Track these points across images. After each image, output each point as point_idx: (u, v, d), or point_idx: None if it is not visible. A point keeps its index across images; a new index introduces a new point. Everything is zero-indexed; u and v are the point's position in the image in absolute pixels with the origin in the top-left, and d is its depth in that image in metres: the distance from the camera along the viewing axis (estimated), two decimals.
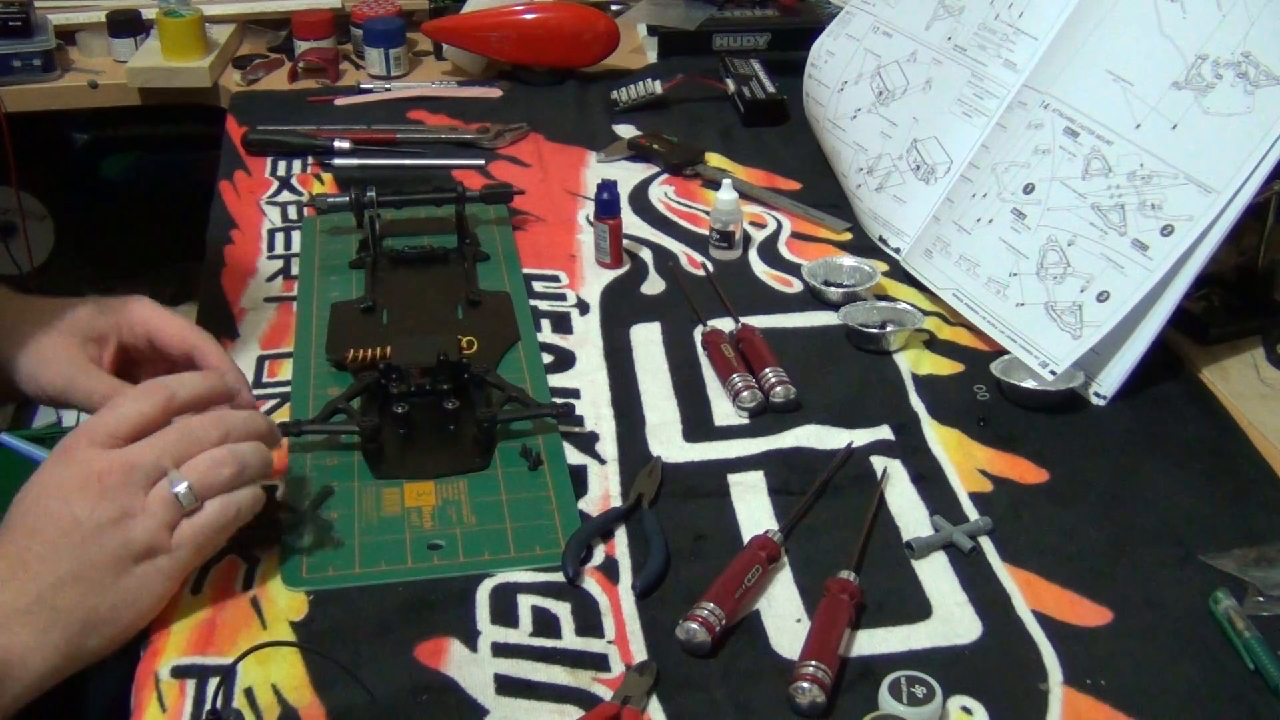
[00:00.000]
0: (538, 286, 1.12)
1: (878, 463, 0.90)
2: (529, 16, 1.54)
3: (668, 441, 0.92)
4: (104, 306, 0.89)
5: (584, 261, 1.17)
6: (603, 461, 0.90)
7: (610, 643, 0.75)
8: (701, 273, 1.15)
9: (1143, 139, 0.96)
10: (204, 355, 0.87)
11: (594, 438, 0.93)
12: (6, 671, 0.66)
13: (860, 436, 0.93)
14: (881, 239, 1.18)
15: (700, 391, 0.98)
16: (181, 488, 0.73)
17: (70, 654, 0.69)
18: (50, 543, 0.70)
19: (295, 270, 1.14)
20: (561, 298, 1.11)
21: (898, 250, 1.16)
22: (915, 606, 0.78)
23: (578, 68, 1.58)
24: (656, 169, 1.34)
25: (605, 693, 0.71)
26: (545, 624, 0.76)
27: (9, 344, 0.87)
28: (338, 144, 1.37)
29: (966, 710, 0.70)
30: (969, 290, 1.05)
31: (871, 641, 0.75)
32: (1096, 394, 0.97)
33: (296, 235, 1.20)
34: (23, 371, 0.86)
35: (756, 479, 0.89)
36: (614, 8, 1.74)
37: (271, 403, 0.96)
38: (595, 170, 1.34)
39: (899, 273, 1.14)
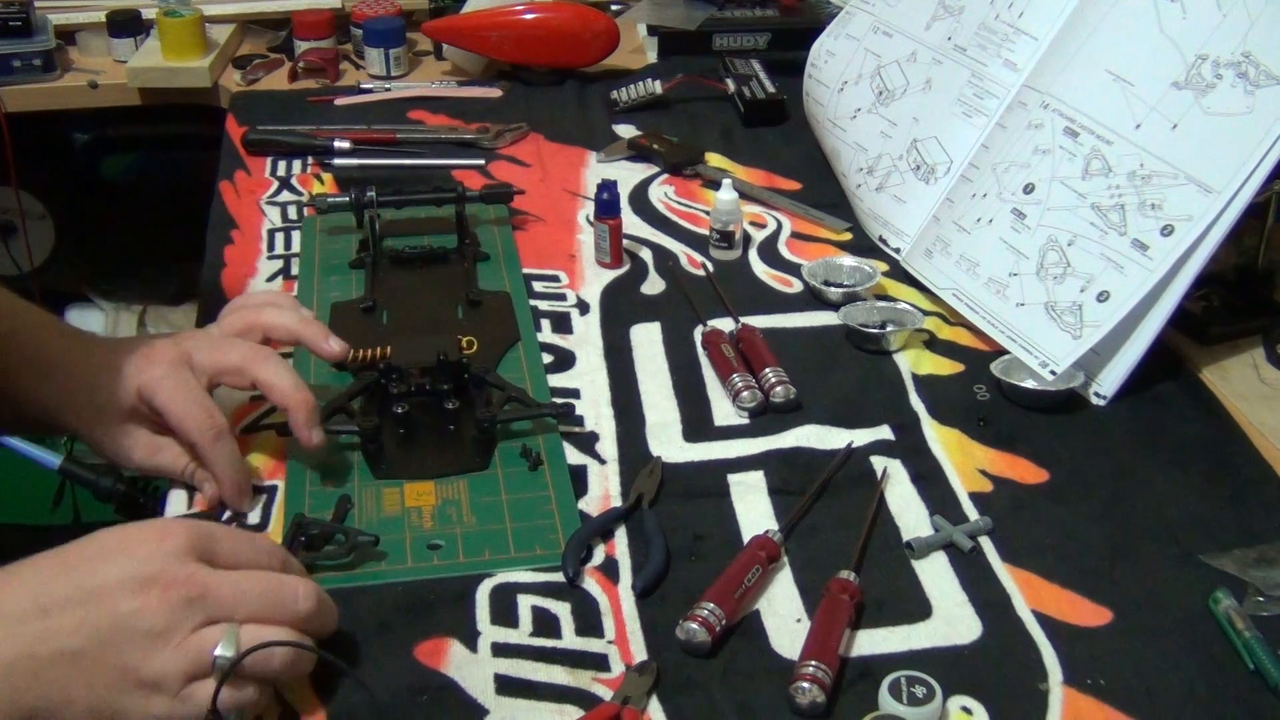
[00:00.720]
0: (538, 286, 1.12)
1: (878, 463, 0.90)
2: (529, 16, 1.54)
3: (668, 441, 0.92)
4: (112, 401, 0.84)
5: (584, 261, 1.17)
6: (603, 461, 0.90)
7: (610, 643, 0.75)
8: (701, 273, 1.15)
9: (1143, 139, 0.96)
10: (204, 456, 0.84)
11: (594, 438, 0.93)
12: None
13: (860, 436, 0.93)
14: (881, 239, 1.18)
15: (700, 391, 0.98)
16: (223, 656, 0.64)
17: None
18: (79, 613, 0.63)
19: (295, 270, 1.14)
20: (561, 298, 1.11)
21: (898, 250, 1.15)
22: (915, 606, 0.78)
23: (578, 68, 1.58)
24: (656, 169, 1.34)
25: (605, 693, 0.71)
26: (545, 624, 0.76)
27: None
28: (338, 144, 1.37)
29: (966, 710, 0.70)
30: (969, 290, 1.05)
31: (871, 641, 0.75)
32: (1096, 394, 0.97)
33: (296, 235, 1.20)
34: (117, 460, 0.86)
35: (756, 479, 0.89)
36: (614, 8, 1.73)
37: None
38: (595, 170, 1.34)
39: (899, 273, 1.14)
